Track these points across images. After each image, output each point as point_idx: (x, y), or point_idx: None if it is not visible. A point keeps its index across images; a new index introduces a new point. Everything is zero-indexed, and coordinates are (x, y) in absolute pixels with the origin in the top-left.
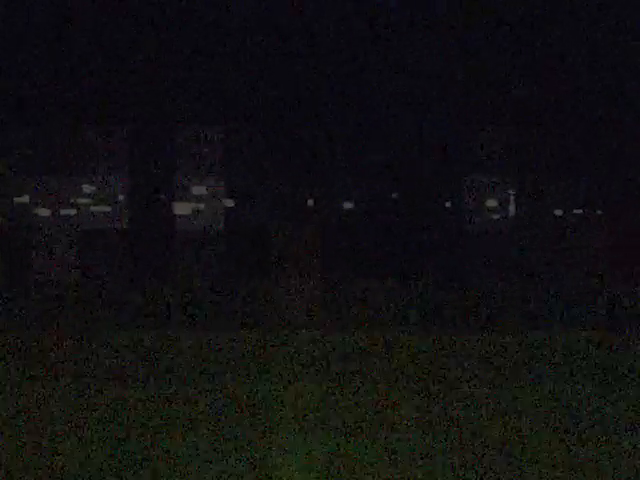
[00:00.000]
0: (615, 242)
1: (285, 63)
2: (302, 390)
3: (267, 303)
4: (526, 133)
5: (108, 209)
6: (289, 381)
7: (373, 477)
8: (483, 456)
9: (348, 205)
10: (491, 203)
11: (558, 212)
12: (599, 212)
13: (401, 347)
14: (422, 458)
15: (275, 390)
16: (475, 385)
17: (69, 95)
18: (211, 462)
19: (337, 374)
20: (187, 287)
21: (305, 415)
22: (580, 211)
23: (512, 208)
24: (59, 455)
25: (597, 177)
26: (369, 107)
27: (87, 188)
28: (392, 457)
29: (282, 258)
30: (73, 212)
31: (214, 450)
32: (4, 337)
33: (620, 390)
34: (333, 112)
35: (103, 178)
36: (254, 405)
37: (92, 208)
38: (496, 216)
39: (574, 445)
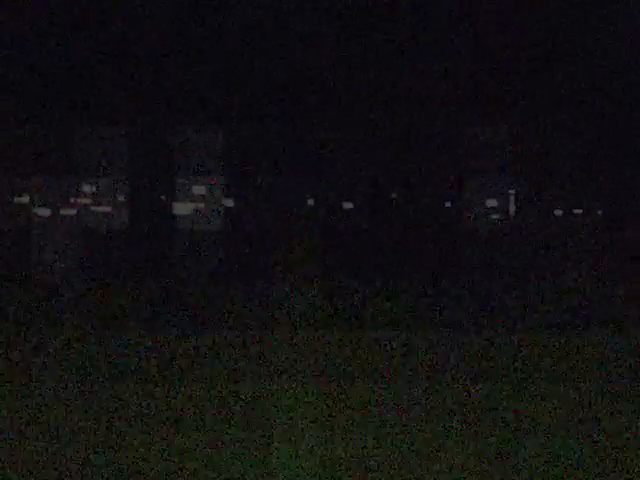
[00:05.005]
0: (615, 242)
1: (285, 62)
2: (301, 390)
3: (267, 303)
4: (527, 132)
5: (108, 209)
6: (288, 381)
7: (371, 476)
8: (480, 455)
9: (348, 205)
10: (491, 203)
11: (558, 212)
12: (599, 212)
13: (401, 346)
14: (421, 457)
15: (274, 390)
16: (474, 384)
17: (69, 95)
18: (210, 462)
19: (337, 374)
20: (185, 287)
21: (304, 415)
22: (580, 211)
23: (512, 208)
24: (62, 456)
25: (597, 177)
26: (369, 106)
27: (87, 188)
28: (392, 457)
29: (282, 258)
30: (73, 212)
31: (214, 451)
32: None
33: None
34: (333, 111)
35: (104, 178)
36: (253, 405)
37: (92, 208)
38: (496, 216)
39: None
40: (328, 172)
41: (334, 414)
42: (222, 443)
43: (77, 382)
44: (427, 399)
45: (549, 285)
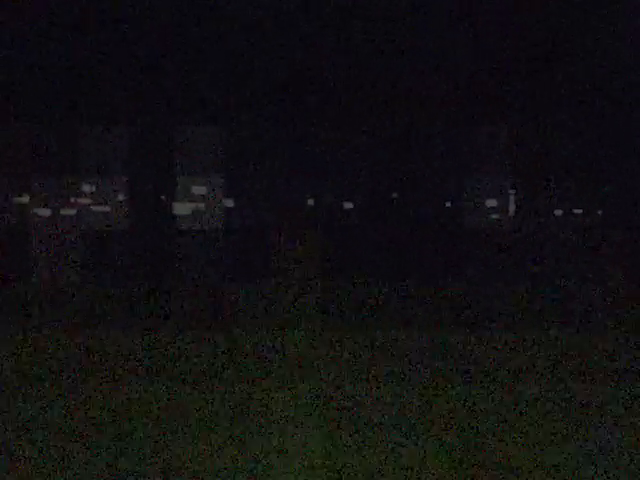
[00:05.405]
0: (614, 242)
1: (284, 62)
2: (300, 390)
3: (267, 303)
4: (527, 132)
5: (108, 209)
6: (288, 381)
7: (368, 477)
8: (479, 455)
9: (348, 205)
10: (491, 203)
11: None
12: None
13: (400, 347)
14: (421, 458)
15: (273, 390)
16: (473, 384)
17: (69, 95)
18: (210, 462)
19: (336, 374)
20: (185, 287)
21: (303, 415)
22: (580, 211)
23: (512, 208)
24: (60, 455)
25: (597, 177)
26: (369, 106)
27: (87, 188)
28: (391, 457)
29: (282, 258)
30: (73, 212)
31: (213, 451)
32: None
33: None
34: (333, 111)
35: (104, 178)
36: (252, 406)
37: (92, 208)
38: (495, 215)
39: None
40: (328, 172)
41: (333, 415)
42: (220, 444)
43: (77, 382)
44: (427, 400)
45: (548, 285)
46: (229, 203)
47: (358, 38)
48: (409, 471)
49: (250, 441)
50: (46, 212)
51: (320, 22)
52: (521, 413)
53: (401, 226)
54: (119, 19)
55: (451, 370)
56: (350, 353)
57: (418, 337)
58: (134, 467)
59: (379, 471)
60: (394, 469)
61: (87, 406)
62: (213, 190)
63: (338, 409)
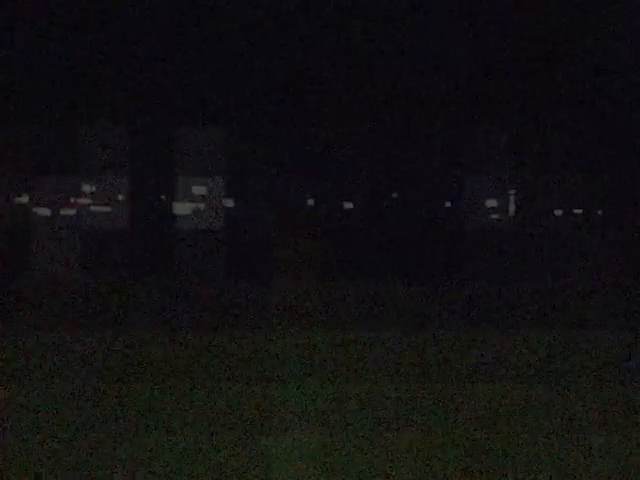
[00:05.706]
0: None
1: (284, 62)
2: (298, 390)
3: (267, 303)
4: (527, 132)
5: (108, 209)
6: (287, 381)
7: (367, 476)
8: (480, 455)
9: (348, 205)
10: (491, 203)
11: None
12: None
13: (400, 347)
14: (419, 457)
15: (272, 390)
16: (472, 384)
17: (69, 94)
18: (210, 461)
19: (335, 374)
20: (185, 287)
21: (302, 415)
22: (580, 211)
23: (512, 208)
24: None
25: (597, 176)
26: (369, 106)
27: (87, 188)
28: (390, 457)
29: (281, 258)
30: (73, 212)
31: (213, 450)
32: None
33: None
34: (333, 111)
35: (104, 178)
36: (252, 405)
37: (92, 208)
38: (495, 215)
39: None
40: (328, 172)
41: (333, 415)
42: (221, 443)
43: (78, 381)
44: (426, 399)
45: (548, 285)
46: (229, 203)
47: (358, 38)
48: (410, 471)
49: (251, 441)
50: (46, 212)
51: (320, 22)
52: (522, 413)
53: (401, 226)
54: (119, 19)
55: (451, 369)
56: (350, 353)
57: (418, 337)
58: (138, 467)
59: (380, 471)
60: (396, 469)
61: (88, 406)
62: (212, 190)
63: (339, 409)
